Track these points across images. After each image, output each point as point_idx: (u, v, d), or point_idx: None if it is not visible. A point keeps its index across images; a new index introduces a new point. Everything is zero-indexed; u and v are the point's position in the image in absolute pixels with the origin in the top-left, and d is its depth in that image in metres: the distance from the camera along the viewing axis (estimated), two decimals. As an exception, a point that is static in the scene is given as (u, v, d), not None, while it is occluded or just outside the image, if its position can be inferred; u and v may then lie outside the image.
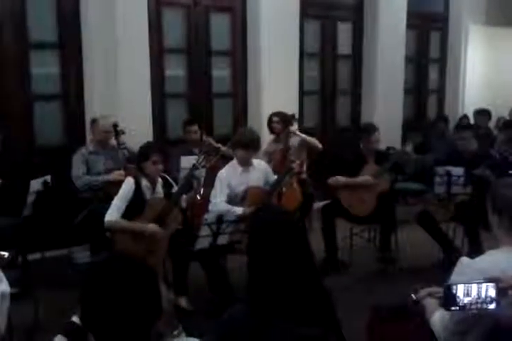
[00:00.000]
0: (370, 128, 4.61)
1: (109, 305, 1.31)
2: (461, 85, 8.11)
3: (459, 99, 8.14)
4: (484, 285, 1.66)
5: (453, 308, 1.69)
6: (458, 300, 1.66)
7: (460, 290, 1.66)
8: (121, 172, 4.31)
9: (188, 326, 1.77)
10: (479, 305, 1.67)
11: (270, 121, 5.23)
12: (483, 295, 1.66)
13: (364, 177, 4.41)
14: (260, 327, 1.58)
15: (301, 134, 5.05)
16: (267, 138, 5.39)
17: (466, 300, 1.66)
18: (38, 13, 4.69)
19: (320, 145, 5.11)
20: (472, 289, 1.66)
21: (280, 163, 4.67)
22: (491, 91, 8.12)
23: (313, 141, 5.11)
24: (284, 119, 5.09)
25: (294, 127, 5.02)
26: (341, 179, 4.47)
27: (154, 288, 1.38)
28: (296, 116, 5.23)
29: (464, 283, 1.67)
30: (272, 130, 5.24)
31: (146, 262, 3.29)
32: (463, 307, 1.68)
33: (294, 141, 5.03)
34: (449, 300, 1.68)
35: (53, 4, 4.75)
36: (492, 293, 1.67)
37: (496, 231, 1.97)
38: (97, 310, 1.32)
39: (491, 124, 7.28)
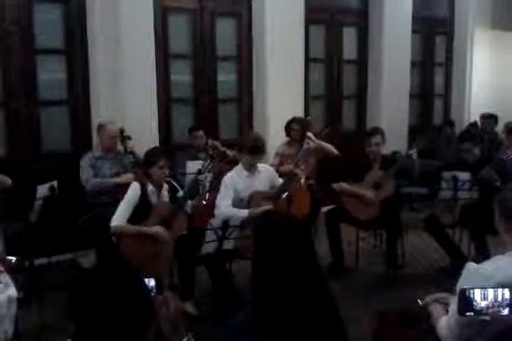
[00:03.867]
0: (372, 131, 4.62)
1: (97, 314, 1.32)
2: (467, 89, 8.09)
3: (465, 103, 8.12)
4: (500, 289, 1.67)
5: (468, 314, 1.68)
6: (475, 303, 1.66)
7: (477, 295, 1.66)
8: (132, 175, 4.33)
9: (195, 331, 1.77)
10: (496, 309, 1.66)
11: (290, 128, 5.21)
12: (499, 299, 1.66)
13: (367, 193, 4.38)
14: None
15: (317, 140, 4.99)
16: (272, 142, 5.39)
17: (483, 303, 1.66)
18: (45, 19, 4.72)
19: (336, 152, 5.08)
20: (489, 293, 1.67)
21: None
22: (497, 95, 8.09)
23: (329, 147, 5.08)
24: (303, 126, 5.09)
25: (311, 134, 4.99)
26: (345, 186, 4.47)
27: (141, 291, 1.39)
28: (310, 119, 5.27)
29: (480, 288, 1.67)
30: (289, 135, 5.23)
31: (152, 267, 3.28)
32: (478, 313, 1.68)
33: (306, 146, 4.99)
34: (464, 305, 1.67)
35: (60, 11, 4.79)
36: (507, 297, 1.67)
37: (502, 236, 1.96)
38: (87, 322, 1.33)
39: (498, 128, 7.24)
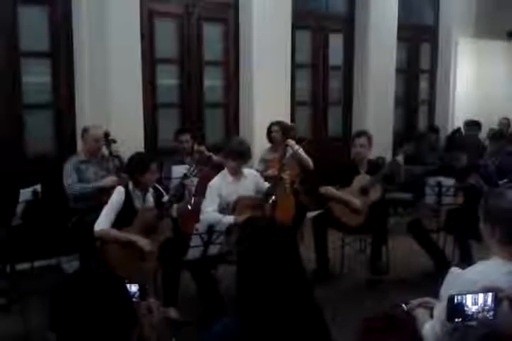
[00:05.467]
0: (356, 133, 4.68)
1: (79, 321, 1.30)
2: (451, 96, 8.18)
3: (449, 110, 8.21)
4: (490, 294, 1.69)
5: (456, 320, 1.69)
6: (466, 309, 1.67)
7: (468, 300, 1.68)
8: (114, 178, 4.29)
9: (179, 337, 1.76)
10: (485, 314, 1.68)
11: (270, 131, 5.24)
12: (489, 303, 1.68)
13: (354, 200, 4.39)
14: None
15: (297, 150, 4.96)
16: (258, 147, 5.40)
17: (474, 308, 1.68)
18: (30, 22, 4.69)
19: (312, 166, 5.08)
20: (479, 298, 1.68)
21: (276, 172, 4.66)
22: (480, 103, 8.20)
23: (307, 160, 5.07)
24: (284, 129, 5.10)
25: (293, 141, 4.99)
26: (332, 191, 4.47)
27: (123, 297, 1.37)
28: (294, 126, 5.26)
29: (471, 293, 1.69)
30: (271, 139, 5.25)
31: (136, 272, 3.24)
32: (467, 318, 1.69)
33: (290, 152, 5.00)
34: (452, 311, 1.68)
35: (45, 14, 4.75)
36: (493, 301, 1.69)
37: (487, 241, 1.97)
38: (69, 330, 1.31)
39: (482, 135, 7.33)
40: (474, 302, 1.68)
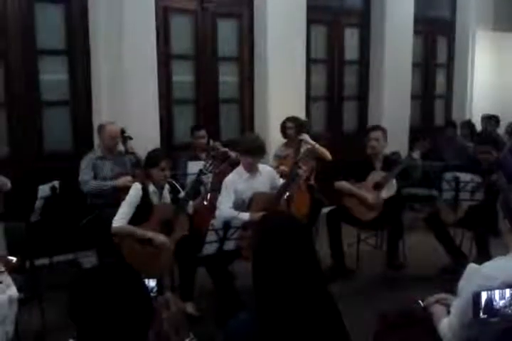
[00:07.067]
0: (371, 127, 4.68)
1: (98, 314, 1.32)
2: (469, 90, 8.10)
3: (466, 104, 8.12)
4: None
5: (482, 316, 1.70)
6: (495, 304, 1.68)
7: (496, 295, 1.69)
8: (129, 178, 4.33)
9: (196, 332, 1.77)
10: (507, 309, 1.68)
11: (284, 127, 5.23)
12: None
13: (367, 195, 4.37)
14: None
15: (312, 143, 4.99)
16: (273, 143, 5.40)
17: (502, 303, 1.69)
18: (47, 20, 4.73)
19: (329, 156, 5.07)
20: (506, 293, 1.69)
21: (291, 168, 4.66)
22: (498, 97, 8.10)
23: (324, 151, 5.07)
24: (298, 125, 5.09)
25: (306, 135, 4.98)
26: (347, 186, 4.46)
27: (141, 291, 1.39)
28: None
29: (494, 289, 1.69)
30: (285, 135, 5.25)
31: (153, 268, 3.27)
32: (492, 314, 1.69)
33: (304, 147, 5.00)
34: (478, 308, 1.69)
35: (62, 11, 4.79)
36: None
37: (505, 237, 1.96)
38: (88, 323, 1.33)
39: (500, 130, 7.23)
40: (502, 297, 1.69)
